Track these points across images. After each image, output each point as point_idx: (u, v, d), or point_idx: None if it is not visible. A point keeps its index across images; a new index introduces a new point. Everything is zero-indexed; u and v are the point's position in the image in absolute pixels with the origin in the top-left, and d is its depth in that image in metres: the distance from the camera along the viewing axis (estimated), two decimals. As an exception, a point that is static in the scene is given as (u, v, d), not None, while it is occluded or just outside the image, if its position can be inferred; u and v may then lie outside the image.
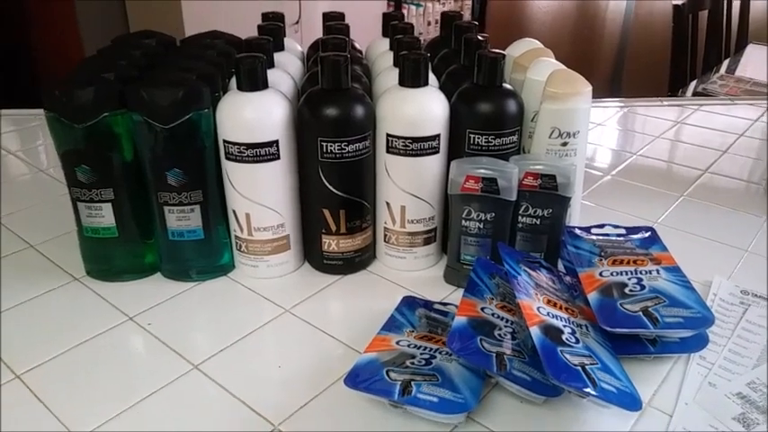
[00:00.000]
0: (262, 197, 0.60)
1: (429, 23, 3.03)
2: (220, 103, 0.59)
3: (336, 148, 0.59)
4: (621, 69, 2.96)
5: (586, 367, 0.45)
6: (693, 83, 1.99)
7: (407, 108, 0.60)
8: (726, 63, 2.10)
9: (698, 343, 0.53)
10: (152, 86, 0.56)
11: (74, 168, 0.58)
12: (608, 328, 0.50)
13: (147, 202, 0.61)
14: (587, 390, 0.44)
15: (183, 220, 0.61)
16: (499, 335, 0.50)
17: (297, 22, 2.31)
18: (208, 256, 0.64)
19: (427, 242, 0.65)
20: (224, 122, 0.58)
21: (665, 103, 1.21)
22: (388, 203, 0.63)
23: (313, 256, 0.66)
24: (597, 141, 1.03)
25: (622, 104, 1.20)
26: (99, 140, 0.58)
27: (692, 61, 2.07)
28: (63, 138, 0.58)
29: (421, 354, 0.50)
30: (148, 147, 0.58)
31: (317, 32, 0.81)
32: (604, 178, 0.89)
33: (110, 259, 0.63)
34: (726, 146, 1.00)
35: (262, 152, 0.58)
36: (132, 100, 0.57)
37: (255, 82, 0.58)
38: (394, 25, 0.73)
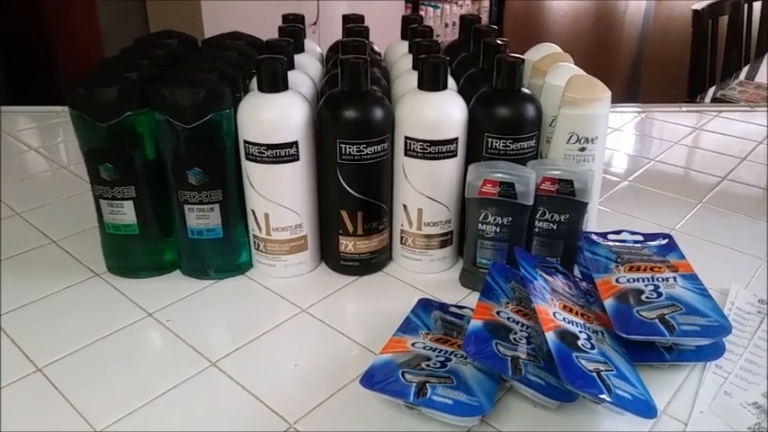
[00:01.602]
0: (280, 197, 0.61)
1: (447, 25, 3.04)
2: (241, 103, 0.60)
3: (355, 150, 0.59)
4: (639, 74, 2.94)
5: (602, 373, 0.46)
6: (712, 89, 1.98)
7: (426, 111, 0.60)
8: (745, 69, 2.08)
9: (714, 351, 0.53)
10: (174, 86, 0.57)
11: (97, 166, 0.59)
12: (624, 335, 0.50)
13: (167, 200, 0.62)
14: (602, 396, 0.44)
15: (202, 218, 0.61)
16: (514, 339, 0.50)
17: (315, 23, 2.32)
18: (226, 254, 0.64)
19: (443, 245, 0.66)
20: (244, 123, 0.59)
21: (684, 108, 1.20)
22: (405, 206, 0.64)
23: (330, 256, 0.66)
24: (615, 147, 1.03)
25: (640, 110, 1.19)
26: (122, 139, 0.59)
27: (712, 67, 2.05)
28: (86, 136, 0.59)
29: (436, 356, 0.50)
30: (170, 146, 0.59)
31: (335, 33, 0.81)
32: (621, 184, 0.89)
33: (130, 256, 0.64)
34: (744, 153, 0.99)
35: (281, 153, 0.59)
36: (155, 99, 0.58)
37: (276, 83, 0.59)
38: (413, 28, 0.73)
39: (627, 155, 1.01)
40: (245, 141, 0.59)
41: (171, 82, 0.58)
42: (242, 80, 0.64)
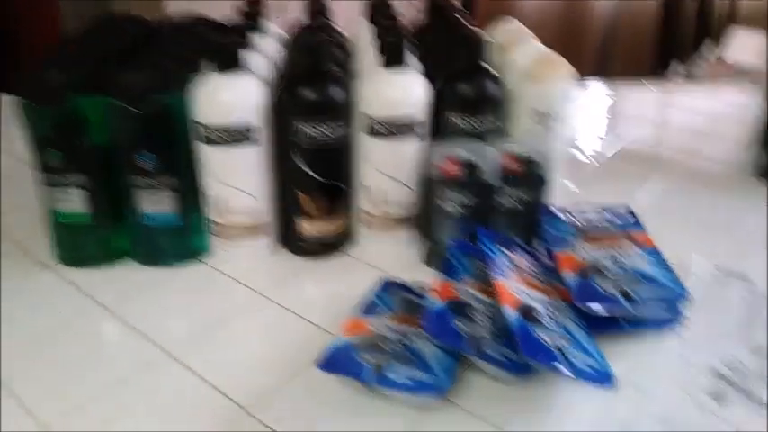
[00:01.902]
0: (237, 181, 0.60)
1: (418, 11, 3.01)
2: (196, 85, 0.58)
3: (314, 131, 0.58)
4: (608, 50, 2.94)
5: (560, 346, 0.45)
6: (678, 66, 1.99)
7: (387, 90, 0.59)
8: (711, 46, 2.10)
9: (672, 319, 0.53)
10: (125, 69, 0.55)
11: (44, 153, 0.57)
12: (583, 307, 0.50)
13: (119, 187, 0.60)
14: (560, 368, 0.43)
15: (156, 204, 0.60)
16: (475, 316, 0.50)
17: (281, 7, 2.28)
18: (182, 240, 0.63)
19: (406, 225, 0.65)
20: (200, 105, 0.57)
21: (649, 85, 1.21)
22: (366, 186, 0.63)
23: (290, 240, 0.65)
24: (579, 124, 1.03)
25: (606, 86, 1.19)
26: (70, 124, 0.57)
27: (678, 44, 2.06)
28: (33, 121, 0.57)
29: (397, 336, 0.50)
30: (122, 131, 0.57)
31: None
32: (585, 160, 0.89)
33: (81, 245, 0.62)
34: (708, 129, 1.00)
35: (237, 135, 0.57)
36: (106, 83, 0.56)
37: (232, 64, 0.57)
38: (374, 5, 0.72)
39: (591, 132, 1.01)
40: (200, 124, 0.58)
41: (122, 64, 0.56)
42: (198, 62, 0.62)
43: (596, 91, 1.18)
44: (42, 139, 0.57)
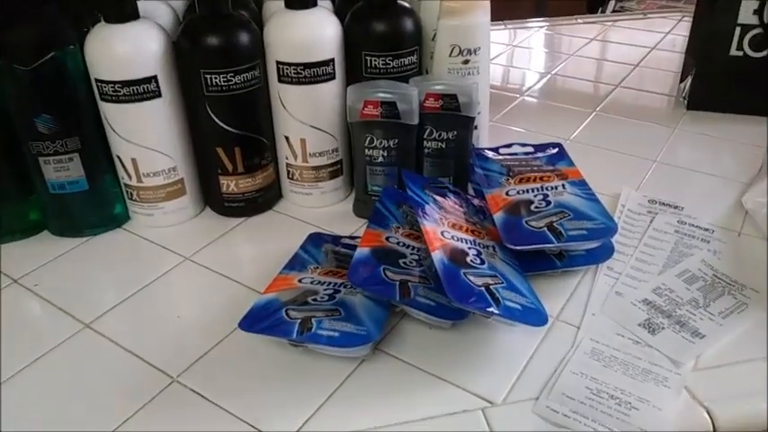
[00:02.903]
0: (146, 140, 0.56)
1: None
2: (87, 38, 0.53)
3: (222, 80, 0.54)
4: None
5: (491, 287, 0.44)
6: (612, 1, 1.99)
7: (296, 32, 0.56)
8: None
9: (604, 254, 0.53)
10: (8, 23, 0.50)
11: (-75, 120, 0.52)
12: (512, 246, 0.49)
13: (23, 154, 0.55)
14: (490, 309, 0.42)
15: (62, 171, 0.56)
16: (404, 263, 0.49)
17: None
18: (97, 208, 0.59)
19: (333, 176, 0.62)
20: (94, 59, 0.53)
21: (581, 20, 1.19)
22: (287, 137, 0.60)
23: (213, 199, 0.62)
24: (512, 63, 1.01)
25: (539, 24, 1.17)
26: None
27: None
28: None
29: (324, 290, 0.48)
30: (12, 92, 0.52)
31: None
32: (517, 99, 0.88)
33: (-12, 219, 0.58)
34: (639, 60, 0.99)
35: (139, 90, 0.53)
36: (-13, 40, 0.51)
37: (124, 12, 0.53)
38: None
39: (524, 70, 1.00)
40: (97, 80, 0.53)
41: (5, 18, 0.51)
42: (89, 12, 0.57)
43: (533, 29, 1.16)
44: None
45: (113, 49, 0.52)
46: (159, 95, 0.54)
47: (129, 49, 0.53)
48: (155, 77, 0.54)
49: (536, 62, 1.04)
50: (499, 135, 0.73)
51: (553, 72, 0.97)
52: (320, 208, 0.63)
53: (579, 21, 1.19)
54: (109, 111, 0.54)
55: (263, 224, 0.62)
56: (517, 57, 1.05)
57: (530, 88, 0.91)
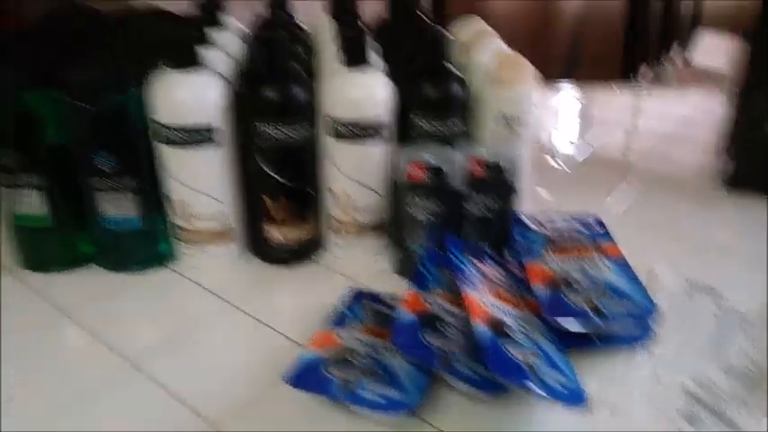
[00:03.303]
0: (198, 183, 0.57)
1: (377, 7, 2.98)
2: (152, 83, 0.55)
3: (274, 131, 0.56)
4: (577, 53, 2.97)
5: (531, 362, 0.45)
6: (646, 69, 2.01)
7: (350, 91, 0.57)
8: (678, 49, 2.13)
9: (643, 335, 0.53)
10: (78, 64, 0.52)
11: (-3, 151, 0.54)
12: (553, 321, 0.49)
13: (80, 188, 0.57)
14: (531, 386, 0.43)
15: (117, 207, 0.57)
16: (445, 329, 0.49)
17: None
18: (145, 245, 0.61)
19: (375, 232, 0.63)
20: (155, 104, 0.55)
21: (617, 89, 1.21)
22: (332, 191, 0.61)
23: (256, 246, 0.63)
24: (547, 127, 1.03)
25: (574, 89, 1.19)
26: (20, 121, 0.54)
27: (645, 47, 2.09)
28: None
29: (366, 349, 0.48)
30: (76, 130, 0.54)
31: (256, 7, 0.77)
32: (554, 166, 0.89)
33: (42, 249, 0.60)
34: (677, 134, 1.00)
35: (195, 135, 0.55)
36: (57, 79, 0.53)
37: (189, 60, 0.55)
38: (338, 3, 0.70)
39: (560, 136, 1.01)
40: (157, 123, 0.55)
41: (74, 60, 0.53)
42: (153, 58, 0.59)
43: (565, 94, 1.18)
44: (-6, 137, 0.54)
45: (174, 95, 0.54)
46: (214, 142, 0.56)
47: (188, 96, 0.55)
48: (211, 125, 0.55)
49: (571, 128, 1.05)
50: (538, 202, 0.74)
51: (589, 140, 0.98)
52: (360, 263, 0.64)
53: (617, 89, 1.21)
54: (165, 153, 0.56)
55: (304, 274, 0.63)
56: (552, 121, 1.06)
57: (566, 155, 0.92)
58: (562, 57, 2.95)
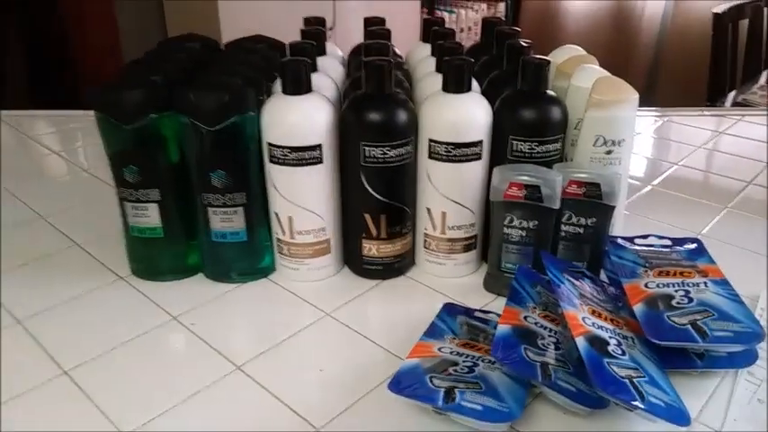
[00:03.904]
0: (304, 200, 0.61)
1: (462, 30, 3.03)
2: (265, 106, 0.59)
3: (379, 152, 0.59)
4: (657, 78, 2.91)
5: (634, 380, 0.45)
6: (733, 93, 1.95)
7: (450, 114, 0.60)
8: (766, 73, 2.06)
9: (747, 358, 0.52)
10: (199, 89, 0.57)
11: (122, 169, 0.60)
12: (655, 341, 0.49)
13: (191, 203, 0.62)
14: (635, 403, 0.43)
15: (226, 221, 0.61)
16: (543, 344, 0.50)
17: (331, 28, 2.32)
18: (249, 257, 0.64)
19: (467, 249, 0.65)
20: (268, 125, 0.59)
21: (706, 113, 1.19)
22: (428, 209, 0.63)
23: (353, 260, 0.66)
24: (636, 151, 1.02)
25: (659, 114, 1.18)
26: (146, 141, 0.59)
27: (732, 71, 2.03)
28: (112, 138, 0.59)
29: (463, 361, 0.50)
30: (194, 148, 0.59)
31: (351, 36, 0.81)
32: (645, 188, 0.88)
33: (154, 259, 0.64)
34: (762, 156, 0.97)
35: (305, 156, 0.59)
36: (179, 102, 0.58)
37: (300, 86, 0.59)
38: (435, 31, 0.73)
39: (649, 159, 1.00)
40: (269, 144, 0.59)
41: (195, 84, 0.58)
42: (265, 83, 0.64)
43: (652, 119, 1.16)
44: (121, 155, 0.59)
45: (287, 118, 0.58)
46: (321, 162, 0.59)
47: (300, 119, 0.58)
48: (319, 146, 0.59)
49: (660, 152, 1.04)
50: (631, 224, 0.73)
51: (680, 163, 0.96)
52: (451, 278, 0.66)
53: (705, 113, 1.18)
54: (274, 171, 0.60)
55: (397, 288, 0.65)
56: (641, 145, 1.05)
57: (657, 178, 0.91)
58: (644, 82, 2.89)
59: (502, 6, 3.21)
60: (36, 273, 0.67)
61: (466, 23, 3.04)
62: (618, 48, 2.93)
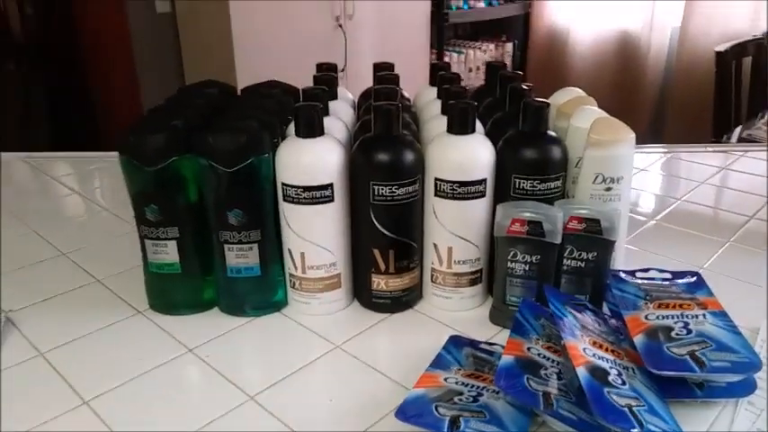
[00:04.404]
0: (316, 237, 0.64)
1: (470, 70, 3.09)
2: (280, 148, 0.63)
3: (387, 191, 0.62)
4: (663, 116, 2.95)
5: (633, 409, 0.46)
6: (738, 129, 1.98)
7: (456, 154, 0.63)
8: (770, 109, 2.09)
9: (746, 388, 0.53)
10: (217, 132, 0.61)
11: (143, 208, 0.63)
12: (655, 371, 0.51)
13: (208, 240, 0.65)
14: (635, 431, 0.44)
15: (241, 257, 0.64)
16: (545, 374, 0.51)
17: (342, 70, 2.39)
18: (263, 292, 0.67)
19: (473, 283, 0.67)
20: (283, 166, 0.62)
21: (710, 149, 1.21)
22: (435, 245, 0.66)
23: (362, 294, 0.68)
24: (641, 187, 1.04)
25: (665, 150, 1.20)
26: (167, 182, 0.62)
27: (736, 108, 2.06)
28: (135, 179, 0.63)
29: (468, 391, 0.52)
30: (212, 188, 0.62)
31: (361, 80, 0.85)
32: (649, 223, 0.90)
33: (172, 294, 0.67)
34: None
35: (317, 194, 0.62)
36: (199, 145, 0.61)
37: (312, 129, 0.62)
38: (442, 75, 0.77)
39: (653, 195, 1.02)
40: (284, 184, 0.62)
41: (213, 128, 0.62)
42: (279, 126, 0.67)
43: (658, 155, 1.19)
44: (143, 195, 0.63)
45: (301, 160, 0.62)
46: (332, 200, 0.62)
47: (313, 160, 0.61)
48: (331, 185, 0.62)
49: (664, 187, 1.06)
50: (633, 258, 0.75)
51: (683, 198, 0.98)
52: (458, 312, 0.68)
53: (709, 149, 1.21)
54: (288, 210, 0.63)
55: (405, 321, 0.67)
56: (646, 181, 1.07)
57: (661, 213, 0.93)
58: (650, 119, 2.92)
59: (510, 46, 3.28)
60: (58, 307, 0.70)
61: (474, 63, 3.10)
62: (624, 85, 2.98)
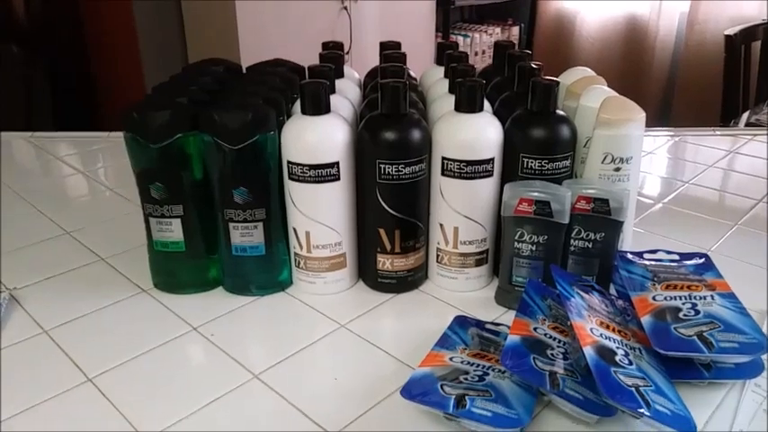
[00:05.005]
0: (321, 216, 0.63)
1: (476, 53, 3.07)
2: (286, 126, 0.62)
3: (394, 170, 0.61)
4: (671, 100, 2.93)
5: (640, 388, 0.46)
6: (746, 114, 1.96)
7: (463, 133, 0.62)
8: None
9: (753, 370, 0.53)
10: (222, 110, 0.60)
11: (148, 186, 0.62)
12: (662, 352, 0.50)
13: (213, 218, 0.64)
14: (641, 410, 0.44)
15: (246, 236, 0.64)
16: (551, 354, 0.51)
17: (347, 53, 2.37)
18: (268, 271, 0.67)
19: (479, 263, 0.67)
20: (288, 144, 0.61)
21: (718, 132, 1.20)
22: (441, 225, 0.65)
23: (368, 274, 0.68)
24: (648, 170, 1.03)
25: (673, 134, 1.19)
26: (172, 160, 0.62)
27: (745, 92, 2.04)
28: (139, 157, 0.62)
29: (474, 370, 0.51)
30: (217, 166, 0.62)
31: (366, 63, 0.84)
32: (656, 206, 0.89)
33: (176, 272, 0.67)
34: (781, 176, 0.98)
35: (323, 173, 0.61)
36: (204, 122, 0.60)
37: (319, 106, 0.61)
38: (449, 54, 0.76)
39: (661, 177, 1.01)
40: (289, 162, 0.62)
41: (219, 106, 0.61)
42: (285, 104, 0.67)
43: (665, 138, 1.18)
44: (148, 173, 0.62)
45: (306, 137, 0.61)
46: (338, 179, 0.62)
47: (319, 138, 0.61)
48: (337, 163, 0.61)
49: (672, 170, 1.05)
50: (641, 240, 0.75)
51: (691, 181, 0.98)
52: (463, 292, 0.67)
53: (717, 133, 1.19)
54: (294, 188, 0.62)
55: (410, 302, 0.67)
56: (653, 164, 1.06)
57: (668, 196, 0.93)
58: (658, 103, 2.90)
59: (516, 30, 3.26)
60: (62, 286, 0.69)
61: (480, 47, 3.08)
62: (632, 69, 2.95)
